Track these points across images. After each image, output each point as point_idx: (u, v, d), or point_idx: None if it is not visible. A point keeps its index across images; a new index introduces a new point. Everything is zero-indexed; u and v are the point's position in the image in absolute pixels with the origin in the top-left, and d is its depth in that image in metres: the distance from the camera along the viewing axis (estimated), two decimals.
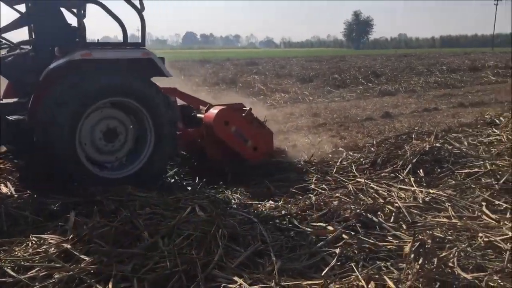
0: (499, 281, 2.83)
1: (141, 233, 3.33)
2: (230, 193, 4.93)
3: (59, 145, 4.34)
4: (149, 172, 4.85)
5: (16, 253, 3.19)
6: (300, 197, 4.66)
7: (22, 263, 3.05)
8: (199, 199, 4.50)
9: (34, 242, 3.34)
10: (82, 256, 3.07)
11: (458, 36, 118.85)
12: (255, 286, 2.74)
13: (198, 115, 5.93)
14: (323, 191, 4.86)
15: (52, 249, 3.19)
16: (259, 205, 4.45)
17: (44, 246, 3.25)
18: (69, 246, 3.16)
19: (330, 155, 6.58)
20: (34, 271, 2.94)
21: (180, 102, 6.07)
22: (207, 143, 5.69)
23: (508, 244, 3.28)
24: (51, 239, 3.37)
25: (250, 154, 5.70)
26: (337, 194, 4.64)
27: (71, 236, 3.32)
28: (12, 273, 2.91)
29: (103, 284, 2.81)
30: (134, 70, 4.77)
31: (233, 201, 4.67)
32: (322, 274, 2.95)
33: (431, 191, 4.68)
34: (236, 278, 2.83)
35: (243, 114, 5.70)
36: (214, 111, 5.58)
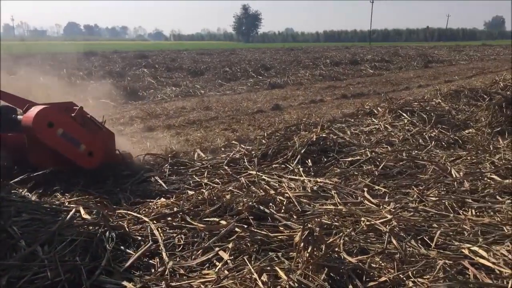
0: (380, 262, 3.03)
1: (17, 242, 3.02)
2: (119, 192, 4.70)
3: None
4: None
5: None
6: (193, 192, 4.59)
7: None
8: (84, 200, 4.26)
9: None
10: None
11: (340, 32, 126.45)
12: None
13: (19, 117, 5.07)
14: (216, 185, 4.84)
15: None
16: (150, 203, 4.30)
17: None
18: None
19: (223, 149, 6.59)
20: None
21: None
22: (30, 149, 4.87)
23: (387, 227, 3.51)
24: None
25: (85, 160, 4.97)
26: (230, 188, 4.64)
27: None
28: None
29: None
30: None
31: (122, 201, 4.46)
32: (216, 270, 2.92)
33: (318, 180, 4.88)
34: (125, 283, 2.69)
35: (72, 114, 4.95)
36: (34, 111, 4.72)
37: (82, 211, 3.62)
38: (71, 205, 3.92)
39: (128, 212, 3.82)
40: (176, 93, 13.83)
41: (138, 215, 3.74)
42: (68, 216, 3.45)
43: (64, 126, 4.82)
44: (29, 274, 2.76)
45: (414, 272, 2.89)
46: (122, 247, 3.19)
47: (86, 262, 2.90)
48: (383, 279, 2.80)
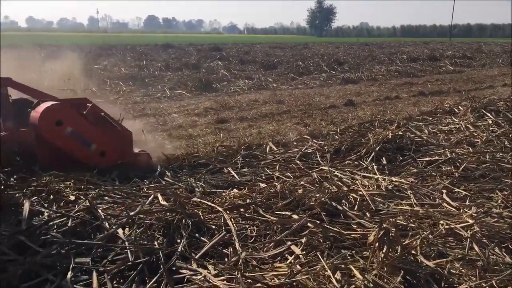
0: (461, 268, 2.89)
1: (101, 223, 3.20)
2: (193, 181, 4.82)
3: None
4: None
5: None
6: (265, 185, 4.61)
7: None
8: (161, 187, 4.42)
9: None
10: (38, 248, 2.92)
11: (418, 26, 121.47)
12: (220, 278, 2.67)
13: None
14: (288, 179, 4.83)
15: (6, 240, 3.02)
16: (223, 194, 4.38)
17: None
18: (23, 238, 3.00)
19: (295, 143, 6.57)
20: None
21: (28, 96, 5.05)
22: (37, 145, 4.60)
23: (468, 232, 3.33)
24: (4, 231, 3.19)
25: (96, 160, 4.70)
26: (301, 182, 4.61)
27: (26, 227, 3.15)
28: None
29: (61, 277, 2.68)
30: None
31: (196, 189, 4.57)
32: (287, 263, 2.92)
33: (393, 179, 4.74)
34: (200, 269, 2.76)
35: (84, 112, 4.70)
36: (41, 107, 4.46)
37: (160, 198, 3.76)
38: (150, 192, 4.08)
39: (203, 201, 3.90)
40: (249, 85, 13.96)
41: (212, 205, 3.81)
42: (147, 202, 3.60)
43: (74, 125, 4.57)
44: (111, 254, 2.91)
45: (498, 281, 2.72)
46: (197, 235, 3.27)
47: (163, 246, 3.00)
48: (463, 286, 2.66)
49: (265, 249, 3.21)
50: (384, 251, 2.82)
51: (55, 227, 3.16)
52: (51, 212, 3.34)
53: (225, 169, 5.29)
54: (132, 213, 3.33)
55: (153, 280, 2.67)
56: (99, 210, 3.37)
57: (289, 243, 3.20)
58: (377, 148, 5.57)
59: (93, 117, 4.78)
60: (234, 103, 10.55)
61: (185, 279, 2.71)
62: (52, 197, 3.71)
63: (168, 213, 3.36)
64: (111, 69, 17.17)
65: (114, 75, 15.37)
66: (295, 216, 3.65)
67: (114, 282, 2.70)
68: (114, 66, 17.92)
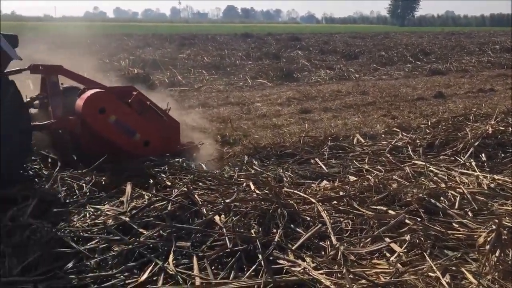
0: None
1: (198, 209, 3.25)
2: (281, 170, 4.78)
3: None
4: None
5: (75, 223, 3.19)
6: (355, 178, 4.48)
7: (81, 233, 3.05)
8: (251, 176, 4.42)
9: (91, 213, 3.34)
10: (141, 230, 3.03)
11: (510, 15, 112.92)
12: (320, 271, 2.61)
13: None
14: (379, 173, 4.66)
15: (111, 221, 3.16)
16: (312, 185, 4.31)
17: (102, 218, 3.24)
18: (127, 219, 3.12)
19: (383, 135, 6.34)
20: (93, 242, 2.93)
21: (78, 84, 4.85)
22: (82, 134, 4.50)
23: None
24: (108, 211, 3.35)
25: (140, 150, 4.54)
26: (394, 177, 4.43)
27: (129, 208, 3.28)
28: (72, 243, 2.90)
29: (163, 260, 2.75)
30: None
31: (284, 179, 4.53)
32: (389, 261, 2.80)
33: (495, 176, 4.41)
34: (299, 261, 2.71)
35: (129, 100, 4.57)
36: (86, 95, 4.42)
37: (252, 186, 3.76)
38: (241, 179, 4.09)
39: (295, 191, 3.85)
40: (330, 76, 13.73)
41: (305, 196, 3.75)
42: (241, 189, 3.61)
43: (118, 113, 4.47)
44: (209, 240, 2.95)
45: None
46: (292, 225, 3.23)
47: (260, 235, 2.99)
48: None
49: (361, 244, 3.10)
50: (496, 254, 2.62)
51: (156, 210, 3.25)
52: (151, 195, 3.45)
53: (312, 160, 5.22)
54: (228, 201, 3.35)
55: (251, 269, 2.67)
56: (196, 196, 3.43)
57: (387, 239, 3.07)
58: (475, 144, 5.23)
59: (138, 105, 4.65)
60: (316, 93, 10.40)
61: (284, 270, 2.68)
62: (151, 181, 3.83)
63: (263, 202, 3.35)
64: (194, 58, 17.59)
65: (197, 64, 15.73)
66: (391, 212, 3.51)
67: (213, 267, 2.73)
68: (197, 55, 18.34)
